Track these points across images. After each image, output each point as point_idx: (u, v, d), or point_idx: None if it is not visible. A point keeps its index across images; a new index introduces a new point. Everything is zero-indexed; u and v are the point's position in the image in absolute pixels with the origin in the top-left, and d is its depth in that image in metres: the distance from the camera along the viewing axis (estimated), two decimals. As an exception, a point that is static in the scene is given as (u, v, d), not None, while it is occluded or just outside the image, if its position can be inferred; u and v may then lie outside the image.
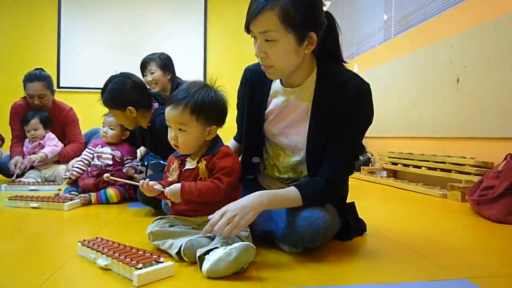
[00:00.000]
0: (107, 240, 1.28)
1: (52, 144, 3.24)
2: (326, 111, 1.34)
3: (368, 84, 1.35)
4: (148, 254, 1.13)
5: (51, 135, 3.30)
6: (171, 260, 1.16)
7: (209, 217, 1.22)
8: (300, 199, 1.29)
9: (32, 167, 3.21)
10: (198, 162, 1.37)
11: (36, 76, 3.24)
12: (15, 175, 3.07)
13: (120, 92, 2.09)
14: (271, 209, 1.30)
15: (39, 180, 3.06)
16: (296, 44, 1.25)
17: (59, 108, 3.44)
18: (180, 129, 1.35)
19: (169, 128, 1.39)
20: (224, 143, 1.47)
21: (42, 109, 3.30)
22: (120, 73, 2.17)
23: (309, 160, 1.40)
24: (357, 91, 1.31)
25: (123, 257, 1.11)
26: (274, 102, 1.46)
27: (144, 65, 3.02)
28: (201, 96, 1.34)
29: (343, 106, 1.31)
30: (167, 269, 1.09)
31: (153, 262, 1.08)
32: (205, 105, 1.34)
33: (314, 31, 1.26)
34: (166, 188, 1.31)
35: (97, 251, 1.19)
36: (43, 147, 3.21)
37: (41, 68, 3.34)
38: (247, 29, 1.28)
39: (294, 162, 1.46)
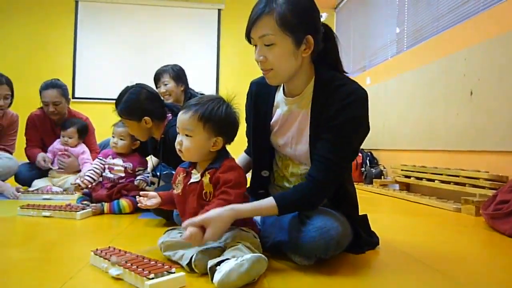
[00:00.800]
0: (119, 250, 1.29)
1: (85, 160, 3.27)
2: (322, 117, 1.35)
3: (363, 91, 1.35)
4: (160, 264, 1.13)
5: (84, 147, 3.35)
6: (183, 271, 1.16)
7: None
8: (276, 208, 1.28)
9: (44, 175, 3.26)
10: (202, 176, 1.37)
11: (51, 84, 3.30)
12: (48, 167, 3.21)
13: (136, 102, 2.11)
14: (241, 217, 1.28)
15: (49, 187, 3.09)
16: (293, 47, 1.29)
17: (75, 117, 3.49)
18: (186, 135, 1.36)
19: (177, 134, 1.40)
20: (235, 156, 1.47)
21: (57, 117, 3.36)
22: (136, 84, 2.19)
23: None
24: (348, 95, 1.31)
25: (135, 266, 1.11)
26: (278, 113, 1.48)
27: (157, 77, 3.07)
28: (211, 106, 1.35)
29: (334, 109, 1.32)
30: (178, 279, 1.09)
31: (165, 272, 1.08)
32: (214, 115, 1.34)
33: (310, 35, 1.30)
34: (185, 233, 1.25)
35: (109, 261, 1.19)
36: (68, 156, 3.26)
37: (57, 79, 3.41)
38: (248, 38, 1.33)
39: (303, 171, 1.46)
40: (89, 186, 2.41)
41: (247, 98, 1.59)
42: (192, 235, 1.17)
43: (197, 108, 1.34)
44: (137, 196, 1.42)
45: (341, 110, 1.30)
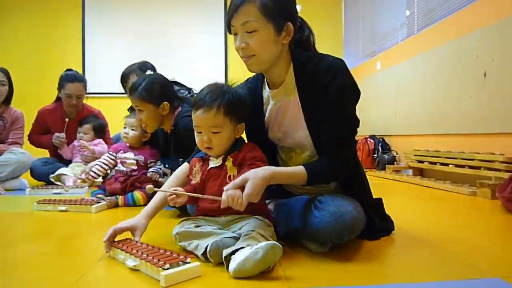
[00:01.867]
0: (136, 241, 1.30)
1: (100, 147, 3.34)
2: (312, 98, 1.37)
3: (340, 60, 1.37)
4: (175, 255, 1.13)
5: (100, 140, 3.43)
6: (198, 261, 1.16)
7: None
8: (305, 175, 1.32)
9: (66, 165, 3.32)
10: (224, 160, 1.38)
11: (76, 77, 3.40)
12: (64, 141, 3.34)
13: (158, 85, 2.12)
14: (277, 182, 1.31)
15: (72, 175, 3.12)
16: (274, 33, 1.32)
17: (88, 111, 3.57)
18: (213, 132, 1.36)
19: (197, 133, 1.40)
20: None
21: (75, 109, 3.41)
22: (153, 72, 2.21)
23: (318, 150, 1.43)
24: (328, 68, 1.34)
25: (151, 257, 1.12)
26: (269, 109, 1.50)
27: (124, 79, 2.94)
28: (230, 96, 1.36)
29: (320, 86, 1.34)
30: (193, 269, 1.09)
31: (180, 262, 1.09)
32: (235, 104, 1.37)
33: (290, 21, 1.35)
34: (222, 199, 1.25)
35: (126, 252, 1.20)
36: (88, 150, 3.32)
37: (71, 69, 3.49)
38: (228, 26, 1.37)
39: (306, 158, 1.47)
40: (95, 180, 2.44)
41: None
42: (230, 197, 1.17)
43: (218, 103, 1.34)
44: (169, 197, 1.37)
45: (328, 85, 1.33)
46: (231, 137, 1.40)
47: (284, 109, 1.45)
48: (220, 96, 1.35)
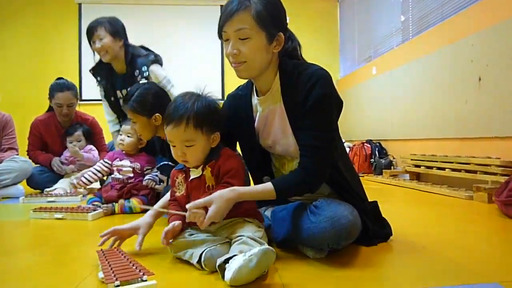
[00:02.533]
0: (120, 252, 1.28)
1: (91, 153, 3.33)
2: (296, 106, 1.37)
3: (323, 70, 1.37)
4: (137, 271, 1.08)
5: (91, 147, 3.41)
6: (155, 279, 1.06)
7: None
8: (273, 191, 1.31)
9: (62, 176, 3.32)
10: (203, 170, 1.38)
11: (65, 86, 3.33)
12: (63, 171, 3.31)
13: (149, 97, 2.11)
14: (242, 200, 1.30)
15: (68, 190, 3.10)
16: (266, 42, 1.34)
17: (81, 118, 3.53)
18: (186, 146, 1.35)
19: (172, 146, 1.39)
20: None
21: (67, 118, 3.39)
22: (147, 82, 2.20)
23: None
24: (310, 77, 1.34)
25: (110, 271, 1.08)
26: (258, 116, 1.51)
27: (90, 31, 2.76)
28: (199, 107, 1.35)
29: (301, 94, 1.35)
30: None
31: (132, 280, 1.03)
32: (205, 115, 1.35)
33: (281, 31, 1.37)
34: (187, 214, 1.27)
35: (101, 263, 1.19)
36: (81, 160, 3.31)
37: (61, 78, 3.43)
38: (220, 32, 1.38)
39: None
40: (87, 186, 2.43)
41: (222, 113, 1.54)
42: (195, 214, 1.21)
43: (187, 116, 1.33)
44: (162, 236, 1.34)
45: (307, 94, 1.33)
46: (206, 148, 1.39)
47: (272, 116, 1.46)
48: (189, 109, 1.34)
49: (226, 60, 6.29)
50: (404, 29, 4.47)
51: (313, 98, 1.32)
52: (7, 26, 5.92)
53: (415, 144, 4.01)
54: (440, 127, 3.52)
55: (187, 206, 1.24)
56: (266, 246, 1.13)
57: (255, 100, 1.52)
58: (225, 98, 1.64)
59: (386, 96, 4.50)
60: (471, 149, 3.12)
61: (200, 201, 1.24)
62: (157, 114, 2.12)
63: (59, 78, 3.41)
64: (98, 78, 2.96)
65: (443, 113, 3.45)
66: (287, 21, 1.43)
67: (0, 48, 5.92)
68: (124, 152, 2.51)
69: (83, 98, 5.93)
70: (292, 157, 1.48)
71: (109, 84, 2.89)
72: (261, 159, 1.56)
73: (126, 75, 2.79)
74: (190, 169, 1.42)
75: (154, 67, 2.77)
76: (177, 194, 1.45)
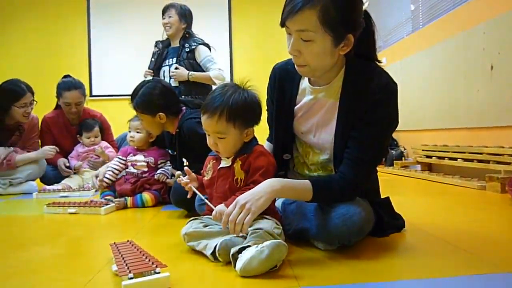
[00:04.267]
0: (133, 245, 1.29)
1: (110, 152, 3.36)
2: (352, 110, 1.31)
3: (394, 84, 1.30)
4: (151, 263, 1.09)
5: (105, 143, 3.45)
6: (168, 271, 1.07)
7: (223, 207, 1.25)
8: (311, 194, 1.27)
9: (75, 172, 3.35)
10: (233, 162, 1.39)
11: (73, 84, 3.32)
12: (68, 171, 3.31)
13: (151, 97, 2.13)
14: (283, 197, 1.29)
15: (75, 186, 3.14)
16: (332, 45, 1.22)
17: (90, 114, 3.54)
18: (218, 137, 1.36)
19: (207, 134, 1.40)
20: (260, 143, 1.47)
21: (76, 116, 3.41)
22: (152, 79, 2.21)
23: (336, 159, 1.38)
24: (380, 90, 1.27)
25: (124, 264, 1.10)
26: (303, 100, 1.45)
27: (165, 9, 3.33)
28: (234, 100, 1.33)
29: (365, 105, 1.28)
30: (161, 280, 1.03)
31: (145, 272, 1.04)
32: (240, 109, 1.34)
33: (352, 33, 1.23)
34: (214, 209, 1.30)
35: (114, 256, 1.20)
36: (98, 156, 3.34)
37: (68, 75, 3.43)
38: (282, 24, 1.24)
39: (323, 160, 1.45)
40: (108, 185, 2.45)
41: (269, 82, 1.54)
42: (231, 220, 1.19)
43: (222, 109, 1.32)
44: (179, 179, 1.45)
45: (373, 108, 1.27)
46: (238, 142, 1.39)
47: (319, 107, 1.40)
48: (224, 102, 1.33)
49: (234, 52, 6.34)
50: (414, 18, 4.41)
51: (377, 114, 1.27)
52: (15, 22, 5.96)
53: (427, 134, 3.98)
54: (451, 117, 3.48)
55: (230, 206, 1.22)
56: (280, 240, 1.13)
57: (304, 83, 1.44)
58: (272, 69, 1.54)
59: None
60: (483, 138, 3.08)
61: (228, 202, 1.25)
62: (161, 113, 2.13)
63: (65, 76, 3.41)
64: (156, 48, 3.45)
65: (454, 102, 3.42)
66: (363, 11, 1.26)
67: (8, 45, 5.97)
68: (136, 147, 2.52)
69: (94, 94, 5.97)
70: (321, 151, 1.44)
71: (161, 53, 3.42)
72: (288, 137, 1.51)
73: (177, 48, 3.35)
74: (222, 158, 1.42)
75: (202, 47, 3.32)
76: (205, 178, 1.46)
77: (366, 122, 1.28)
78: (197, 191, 1.42)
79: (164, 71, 3.36)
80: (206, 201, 1.40)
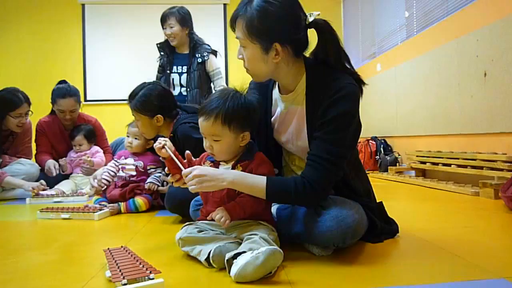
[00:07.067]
0: (127, 251, 1.29)
1: (99, 157, 3.34)
2: (316, 114, 1.33)
3: (354, 86, 1.32)
4: (145, 269, 1.09)
5: (97, 148, 3.43)
6: (162, 277, 1.07)
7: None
8: (264, 192, 1.28)
9: (66, 177, 3.32)
10: (233, 167, 1.38)
11: (68, 92, 3.29)
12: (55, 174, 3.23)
13: (151, 98, 2.13)
14: (236, 189, 1.29)
15: (68, 191, 3.12)
16: (262, 53, 1.30)
17: (85, 120, 3.52)
18: (214, 140, 1.36)
19: (204, 138, 1.40)
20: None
21: (70, 122, 3.40)
22: (152, 81, 2.22)
23: None
24: (337, 90, 1.29)
25: (118, 270, 1.09)
26: (277, 111, 1.49)
27: (164, 19, 3.25)
28: (231, 104, 1.34)
29: (323, 104, 1.30)
30: (154, 287, 1.03)
31: (139, 278, 1.04)
32: (236, 113, 1.34)
33: (279, 43, 1.28)
34: (212, 215, 1.30)
35: (108, 262, 1.19)
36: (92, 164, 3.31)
37: (64, 80, 3.41)
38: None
39: None
40: (106, 187, 2.44)
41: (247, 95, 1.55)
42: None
43: (217, 112, 1.33)
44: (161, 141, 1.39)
45: (330, 107, 1.28)
46: (233, 145, 1.38)
47: (292, 115, 1.44)
48: (220, 105, 1.33)
49: (229, 56, 6.34)
50: (409, 25, 4.45)
51: (333, 112, 1.28)
52: (10, 27, 5.95)
53: (421, 140, 4.00)
54: (445, 123, 3.50)
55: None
56: (275, 246, 1.13)
57: (276, 94, 1.49)
58: (248, 85, 1.57)
59: (391, 93, 4.48)
60: (477, 145, 3.10)
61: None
62: (159, 115, 2.13)
63: (61, 82, 3.38)
64: (162, 53, 3.43)
65: (448, 109, 3.44)
66: (305, 22, 1.30)
67: (3, 49, 5.95)
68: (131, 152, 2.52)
69: (88, 99, 5.96)
70: (303, 158, 1.46)
71: (168, 60, 3.39)
72: (272, 150, 1.53)
73: (187, 55, 3.35)
74: (220, 162, 1.42)
75: (213, 56, 3.36)
76: None
77: (322, 122, 1.30)
78: (172, 155, 1.37)
79: (173, 79, 3.35)
80: (176, 160, 1.36)
